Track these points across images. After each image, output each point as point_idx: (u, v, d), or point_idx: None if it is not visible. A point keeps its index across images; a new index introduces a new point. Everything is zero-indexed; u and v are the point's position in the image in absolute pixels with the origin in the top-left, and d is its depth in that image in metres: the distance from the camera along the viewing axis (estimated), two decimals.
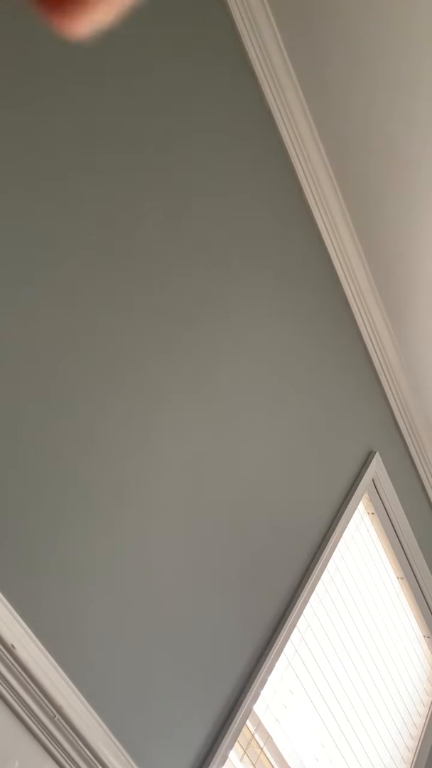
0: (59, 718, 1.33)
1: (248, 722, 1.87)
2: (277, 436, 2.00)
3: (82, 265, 1.44)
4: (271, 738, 1.94)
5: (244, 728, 1.87)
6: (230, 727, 1.68)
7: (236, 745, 1.83)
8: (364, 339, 2.51)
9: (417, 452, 2.84)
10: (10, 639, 1.24)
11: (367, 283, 2.47)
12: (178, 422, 1.66)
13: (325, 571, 2.23)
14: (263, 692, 1.92)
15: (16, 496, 1.28)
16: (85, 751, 1.37)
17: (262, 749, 1.92)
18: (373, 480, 2.48)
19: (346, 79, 2.02)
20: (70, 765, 1.36)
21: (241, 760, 1.85)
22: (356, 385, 2.46)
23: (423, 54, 1.88)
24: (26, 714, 1.29)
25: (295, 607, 1.96)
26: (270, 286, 2.04)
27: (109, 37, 1.54)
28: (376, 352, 2.56)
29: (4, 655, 1.24)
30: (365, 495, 2.47)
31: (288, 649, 2.04)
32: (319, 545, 2.13)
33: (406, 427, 2.76)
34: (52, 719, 1.32)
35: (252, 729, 1.89)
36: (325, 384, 2.27)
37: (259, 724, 1.90)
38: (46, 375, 1.35)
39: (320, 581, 2.21)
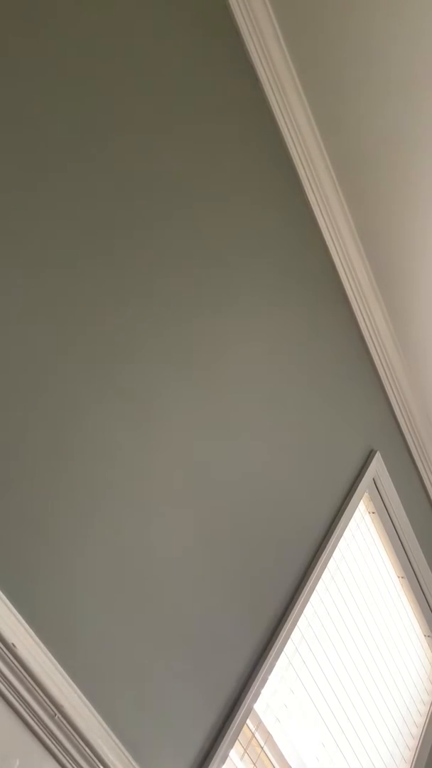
0: (60, 716, 1.33)
1: (248, 721, 1.87)
2: (277, 434, 2.00)
3: (83, 258, 1.44)
4: (272, 737, 1.94)
5: (245, 727, 1.87)
6: (231, 726, 1.68)
7: (236, 744, 1.83)
8: (365, 337, 2.51)
9: (417, 451, 2.84)
10: (10, 638, 1.24)
11: (368, 282, 2.47)
12: (179, 421, 1.66)
13: (326, 570, 2.23)
14: (264, 691, 1.91)
15: (16, 494, 1.28)
16: (85, 750, 1.37)
17: (262, 748, 1.92)
18: (373, 479, 2.48)
19: (347, 77, 2.02)
20: (70, 764, 1.36)
21: (241, 759, 1.84)
22: (357, 384, 2.45)
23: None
24: (27, 713, 1.29)
25: (295, 605, 1.96)
26: (270, 285, 2.04)
27: (110, 39, 1.53)
28: (377, 350, 2.56)
29: (5, 653, 1.24)
30: (366, 494, 2.46)
31: (288, 648, 2.03)
32: (319, 544, 2.13)
33: (407, 426, 2.76)
34: (52, 718, 1.32)
35: (252, 728, 1.89)
36: (325, 383, 2.26)
37: (259, 724, 1.90)
38: (44, 368, 1.35)
39: (321, 580, 2.21)
